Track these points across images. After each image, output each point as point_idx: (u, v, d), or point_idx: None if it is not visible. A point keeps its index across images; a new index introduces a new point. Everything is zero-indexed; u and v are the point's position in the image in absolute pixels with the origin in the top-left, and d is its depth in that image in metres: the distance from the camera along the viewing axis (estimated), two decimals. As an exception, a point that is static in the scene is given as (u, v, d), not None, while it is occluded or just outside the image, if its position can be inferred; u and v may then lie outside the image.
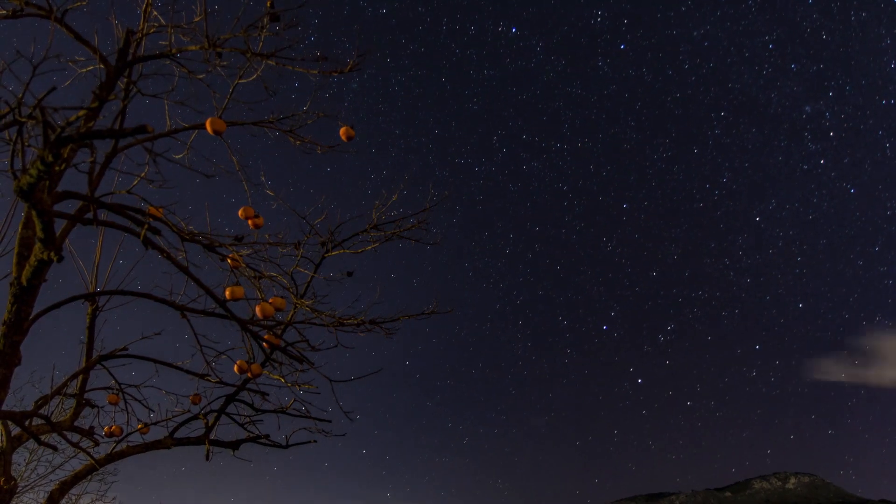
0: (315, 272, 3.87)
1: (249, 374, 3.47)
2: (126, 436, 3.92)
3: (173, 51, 2.93)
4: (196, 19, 2.86)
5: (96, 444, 3.97)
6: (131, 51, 2.89)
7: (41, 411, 3.58)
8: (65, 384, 3.51)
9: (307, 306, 3.63)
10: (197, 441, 3.98)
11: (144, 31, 2.93)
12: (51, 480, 6.94)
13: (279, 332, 3.66)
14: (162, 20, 2.93)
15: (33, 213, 2.41)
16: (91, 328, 3.80)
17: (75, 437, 4.44)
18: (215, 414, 3.99)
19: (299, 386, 3.77)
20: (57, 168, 2.68)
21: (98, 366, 3.67)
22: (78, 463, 6.75)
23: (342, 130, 3.29)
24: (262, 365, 3.68)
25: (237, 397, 3.95)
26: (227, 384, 3.79)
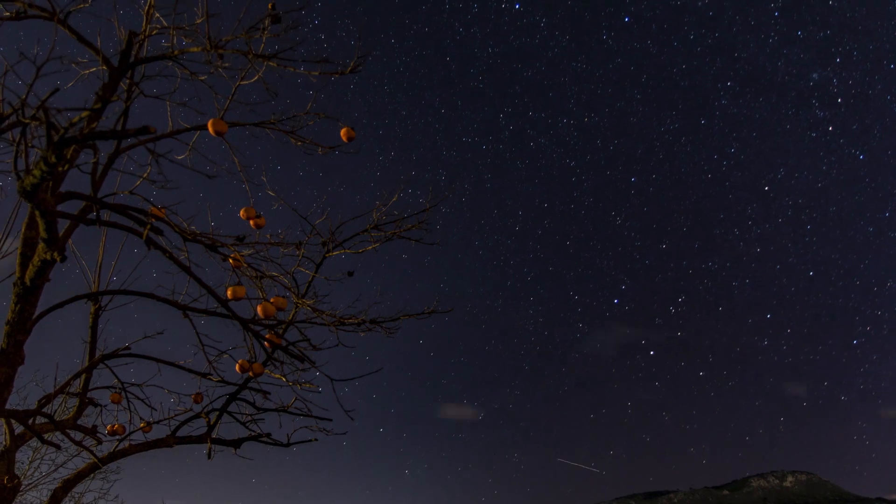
0: (316, 272, 3.89)
1: (251, 374, 3.49)
2: (128, 434, 3.94)
3: (175, 52, 2.95)
4: (198, 21, 2.88)
5: (99, 442, 3.99)
6: (134, 52, 2.91)
7: (44, 410, 3.60)
8: (68, 383, 3.53)
9: (308, 306, 3.65)
10: (199, 439, 4.00)
11: (147, 33, 2.94)
12: (54, 479, 6.98)
13: (281, 331, 3.68)
14: (164, 22, 2.95)
15: (37, 213, 2.43)
16: (94, 327, 3.82)
17: (78, 436, 4.47)
18: (217, 413, 4.01)
19: (300, 385, 3.79)
20: (60, 169, 2.70)
21: (101, 365, 3.69)
22: (81, 461, 6.79)
23: (343, 131, 3.31)
24: (264, 364, 3.70)
25: (239, 396, 3.97)
26: (228, 383, 3.81)
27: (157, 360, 3.60)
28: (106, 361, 3.66)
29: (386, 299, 3.78)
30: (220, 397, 3.99)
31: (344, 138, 3.33)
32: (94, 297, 3.59)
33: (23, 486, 6.69)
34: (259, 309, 3.09)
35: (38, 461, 6.98)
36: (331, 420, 3.99)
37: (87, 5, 2.80)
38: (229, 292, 3.05)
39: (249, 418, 4.10)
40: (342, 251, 3.96)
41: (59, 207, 2.72)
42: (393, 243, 4.02)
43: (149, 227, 2.63)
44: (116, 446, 3.87)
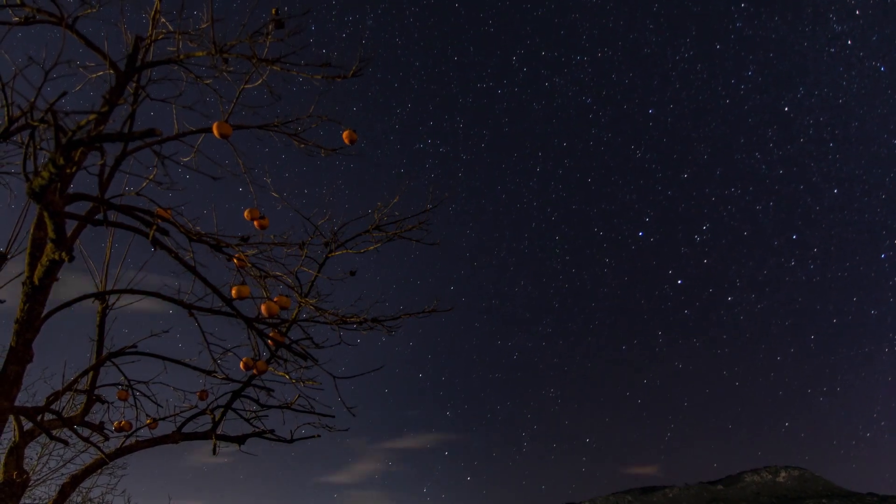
0: (319, 271, 3.94)
1: (255, 371, 3.53)
2: (135, 431, 3.99)
3: (181, 56, 2.99)
4: (203, 26, 2.93)
5: (106, 438, 4.04)
6: (140, 56, 2.96)
7: (53, 407, 3.66)
8: (76, 380, 3.58)
9: (311, 305, 3.69)
10: (204, 436, 4.05)
11: (153, 38, 2.99)
12: (62, 474, 7.05)
13: (284, 329, 3.73)
14: (170, 27, 3.00)
15: (45, 214, 2.48)
16: (101, 326, 3.87)
17: (86, 432, 4.54)
18: (222, 409, 4.05)
19: (303, 382, 3.84)
20: (68, 170, 2.75)
21: (108, 363, 3.74)
22: (88, 457, 6.86)
23: (345, 134, 3.35)
24: (268, 362, 3.75)
25: (243, 393, 4.02)
26: (233, 380, 3.86)
27: (163, 358, 3.65)
28: (113, 359, 3.71)
29: (388, 297, 3.82)
30: (224, 394, 4.04)
31: (346, 141, 3.37)
32: (101, 296, 3.64)
33: (31, 482, 6.77)
34: (263, 308, 3.14)
35: (47, 457, 7.07)
36: (333, 416, 4.04)
37: (94, 11, 2.86)
38: (234, 291, 3.10)
39: (253, 415, 4.15)
40: (344, 251, 4.00)
41: (67, 208, 2.77)
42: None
43: (155, 227, 2.68)
44: (123, 442, 3.92)
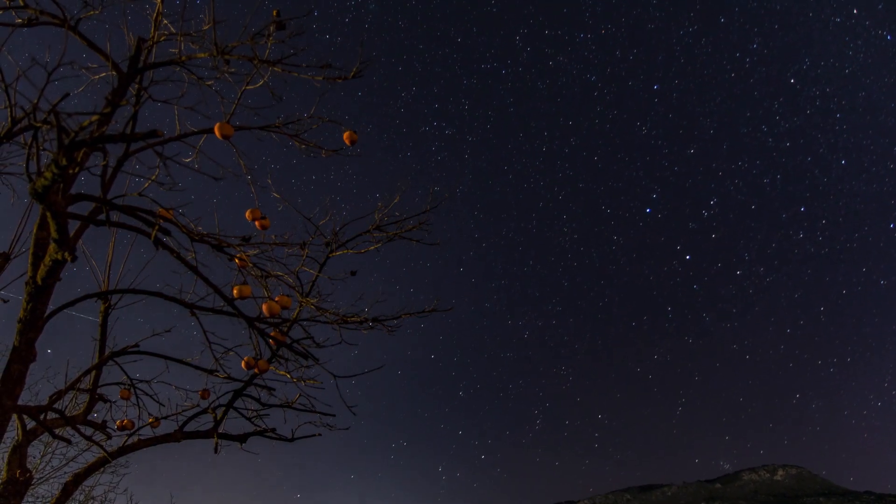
0: (320, 271, 3.96)
1: (256, 370, 3.55)
2: (137, 429, 4.01)
3: (183, 58, 3.01)
4: (205, 27, 2.94)
5: (109, 437, 4.06)
6: (142, 58, 2.97)
7: (55, 406, 3.68)
8: (78, 380, 3.61)
9: (312, 304, 3.71)
10: (206, 434, 4.07)
11: (155, 39, 3.01)
12: (65, 472, 7.09)
13: (285, 329, 3.74)
14: (172, 28, 3.01)
15: (48, 214, 2.50)
16: (104, 326, 3.89)
17: (88, 431, 4.56)
18: (223, 408, 4.07)
19: (304, 381, 3.86)
20: (71, 171, 2.77)
21: (110, 362, 3.76)
22: (91, 455, 6.90)
23: (346, 135, 3.36)
24: (269, 361, 3.77)
25: (245, 392, 4.04)
26: (234, 380, 3.88)
27: (165, 358, 3.67)
28: (115, 358, 3.73)
29: (389, 296, 3.83)
30: (226, 393, 4.06)
31: (347, 142, 3.38)
32: (103, 295, 3.67)
33: (34, 480, 6.81)
34: (264, 307, 3.16)
35: (50, 455, 7.11)
36: (334, 415, 4.06)
37: (96, 12, 2.87)
38: (235, 291, 3.12)
39: (255, 414, 4.17)
40: (345, 251, 4.02)
41: (70, 209, 2.79)
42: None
43: (157, 227, 2.69)
44: (125, 441, 3.94)
